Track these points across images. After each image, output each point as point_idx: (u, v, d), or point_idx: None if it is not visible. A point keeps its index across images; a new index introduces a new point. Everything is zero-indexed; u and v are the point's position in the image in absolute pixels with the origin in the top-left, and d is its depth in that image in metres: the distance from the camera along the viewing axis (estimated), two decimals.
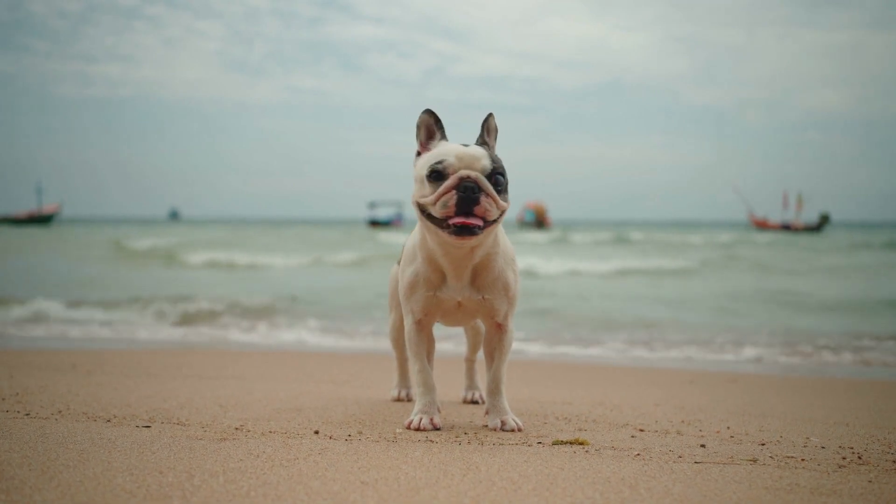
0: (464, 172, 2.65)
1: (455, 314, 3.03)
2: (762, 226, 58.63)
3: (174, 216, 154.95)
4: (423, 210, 2.73)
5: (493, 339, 3.08)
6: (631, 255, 26.44)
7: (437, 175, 2.68)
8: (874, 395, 4.67)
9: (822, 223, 54.42)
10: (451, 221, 2.64)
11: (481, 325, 3.60)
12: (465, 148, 2.73)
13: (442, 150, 2.74)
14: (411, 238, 3.02)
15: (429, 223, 2.73)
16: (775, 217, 58.65)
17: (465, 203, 2.62)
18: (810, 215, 56.14)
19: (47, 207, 65.24)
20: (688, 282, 16.52)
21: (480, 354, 3.66)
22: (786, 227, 55.28)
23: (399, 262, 3.25)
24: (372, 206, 58.90)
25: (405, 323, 3.05)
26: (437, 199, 2.65)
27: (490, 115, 2.89)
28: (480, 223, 2.65)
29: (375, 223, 57.08)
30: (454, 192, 2.63)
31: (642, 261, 22.53)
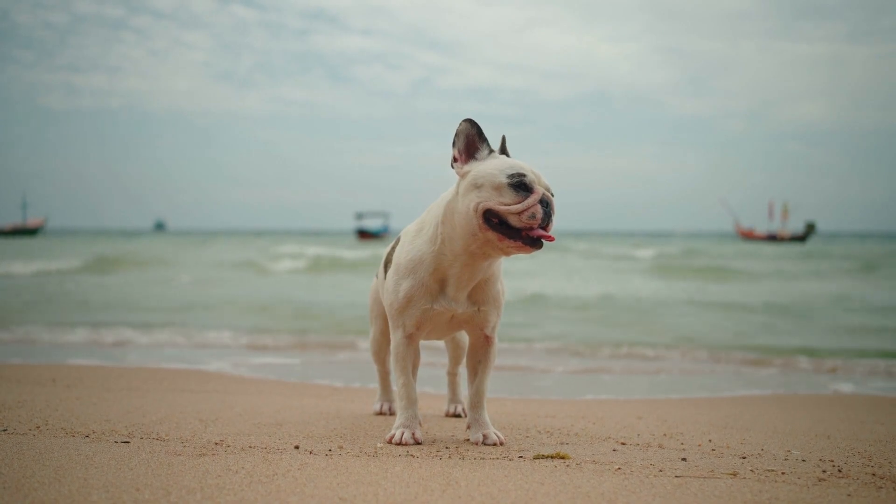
0: (542, 190, 2.73)
1: (444, 327, 3.02)
2: (748, 236, 58.95)
3: (160, 227, 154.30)
4: (490, 217, 2.72)
5: (478, 352, 3.08)
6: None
7: (524, 187, 2.70)
8: (856, 407, 4.69)
9: (808, 233, 54.75)
10: (534, 233, 2.69)
11: (462, 337, 3.60)
12: (531, 166, 2.79)
13: (514, 163, 2.77)
14: (409, 252, 2.95)
15: (491, 232, 2.71)
16: (762, 228, 59.01)
17: (547, 218, 2.71)
18: (796, 225, 56.53)
19: (32, 221, 65.36)
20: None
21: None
22: (772, 238, 55.59)
23: (381, 275, 3.24)
24: (359, 216, 58.74)
25: (393, 337, 3.02)
26: (525, 211, 2.68)
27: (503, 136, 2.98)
28: (554, 239, 2.73)
29: (365, 234, 56.68)
30: (539, 205, 2.69)
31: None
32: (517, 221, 2.69)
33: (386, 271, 3.09)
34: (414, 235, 2.98)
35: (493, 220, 2.71)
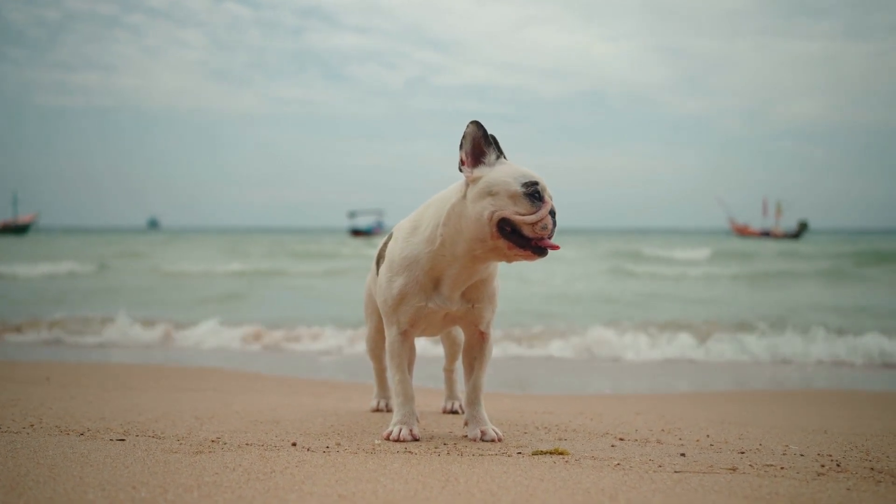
0: (550, 199, 2.74)
1: (438, 324, 3.01)
2: (742, 232, 59.09)
3: (153, 225, 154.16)
4: (503, 226, 2.70)
5: (474, 348, 3.06)
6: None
7: (538, 196, 2.71)
8: (853, 402, 4.69)
9: (801, 230, 54.90)
10: (543, 243, 2.71)
11: (458, 334, 3.58)
12: (535, 171, 2.79)
13: (526, 171, 2.77)
14: (403, 249, 2.92)
15: (502, 240, 2.71)
16: (756, 224, 59.17)
17: (554, 227, 2.74)
18: (790, 222, 56.64)
19: (23, 217, 64.97)
20: None
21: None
22: (766, 234, 55.76)
23: (374, 271, 3.22)
24: (352, 215, 59.05)
25: (388, 334, 3.01)
26: (539, 221, 2.69)
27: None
28: (559, 248, 2.76)
29: (358, 232, 57.29)
30: (549, 216, 2.71)
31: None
32: (530, 231, 2.69)
33: (378, 267, 3.07)
34: (409, 233, 2.95)
35: (506, 228, 2.71)
